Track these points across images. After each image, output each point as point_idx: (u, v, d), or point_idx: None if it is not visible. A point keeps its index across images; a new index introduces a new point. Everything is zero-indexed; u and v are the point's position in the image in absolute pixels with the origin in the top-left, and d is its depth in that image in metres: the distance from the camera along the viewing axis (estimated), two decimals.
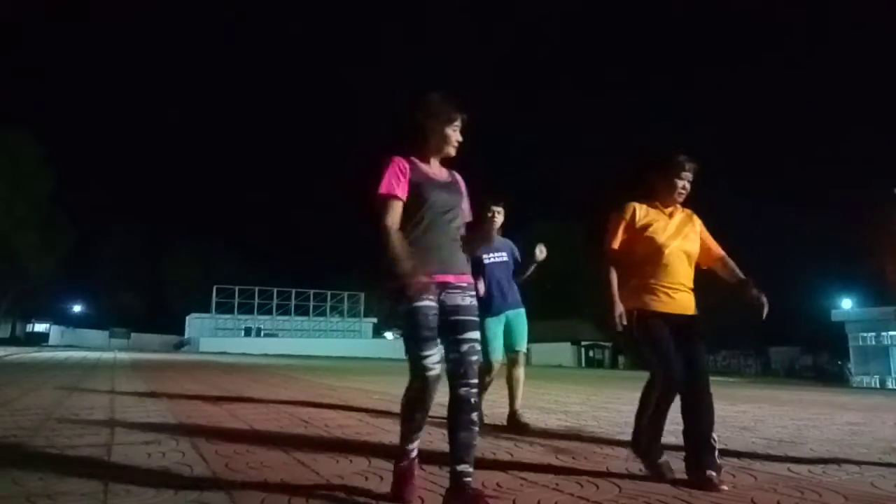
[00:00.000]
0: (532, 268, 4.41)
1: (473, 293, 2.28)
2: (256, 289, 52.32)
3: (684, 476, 2.55)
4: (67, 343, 42.89)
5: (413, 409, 2.19)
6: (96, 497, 2.16)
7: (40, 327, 49.56)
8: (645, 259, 2.79)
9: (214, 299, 51.05)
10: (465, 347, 2.15)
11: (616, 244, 2.84)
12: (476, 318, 2.24)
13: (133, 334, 50.29)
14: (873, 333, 29.44)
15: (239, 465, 2.69)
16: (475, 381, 2.13)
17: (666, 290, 2.76)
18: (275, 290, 52.91)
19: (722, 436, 4.09)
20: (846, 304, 32.14)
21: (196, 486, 2.32)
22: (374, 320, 55.28)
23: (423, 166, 2.32)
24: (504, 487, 2.40)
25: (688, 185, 2.85)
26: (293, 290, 53.55)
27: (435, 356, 2.14)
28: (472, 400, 2.11)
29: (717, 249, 2.96)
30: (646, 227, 2.81)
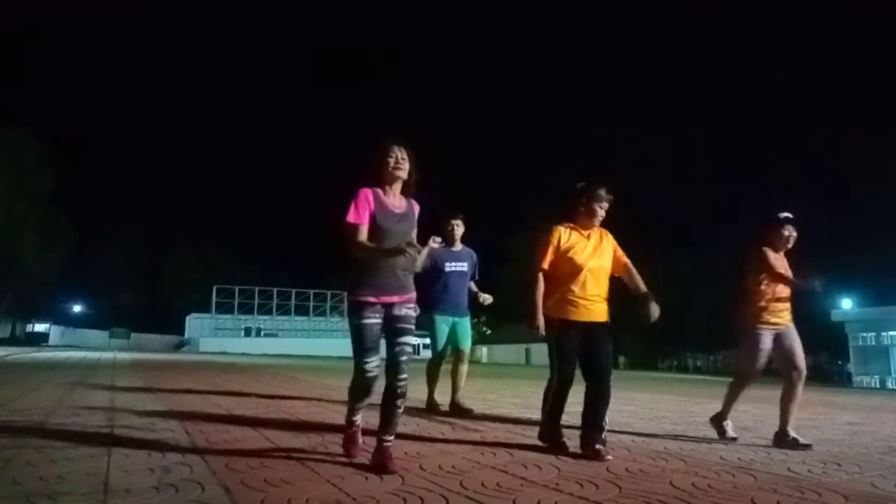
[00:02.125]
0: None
1: (412, 306, 2.86)
2: (256, 289, 52.36)
3: (578, 450, 3.12)
4: (67, 343, 42.91)
5: (356, 397, 2.93)
6: (96, 497, 2.16)
7: (40, 327, 49.53)
8: (566, 276, 3.30)
9: (214, 299, 51.07)
10: (397, 349, 2.78)
11: (546, 264, 3.33)
12: (411, 327, 2.84)
13: (133, 334, 50.28)
14: (873, 333, 29.45)
15: (239, 465, 2.69)
16: (403, 375, 2.75)
17: (583, 302, 3.28)
18: (275, 290, 52.95)
19: None
20: (846, 304, 32.13)
21: (196, 485, 2.32)
22: None
23: (384, 198, 2.83)
24: (504, 487, 2.40)
25: (603, 212, 3.38)
26: (293, 290, 53.58)
27: (374, 362, 2.80)
28: (398, 390, 2.74)
29: (625, 261, 3.46)
30: (568, 249, 3.32)
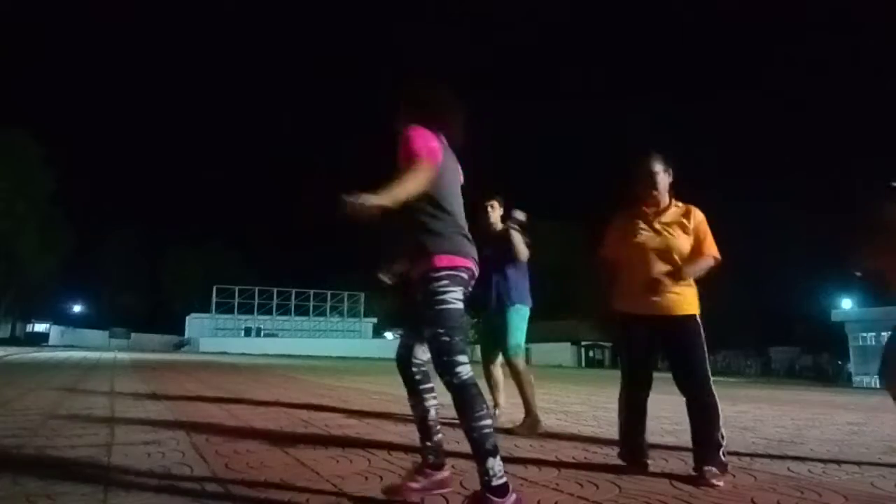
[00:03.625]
0: (516, 238, 4.17)
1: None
2: (256, 289, 52.30)
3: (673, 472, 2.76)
4: (67, 343, 42.84)
5: (406, 388, 2.28)
6: (96, 497, 2.16)
7: (40, 327, 49.52)
8: (626, 262, 2.88)
9: (214, 299, 51.03)
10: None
11: (606, 250, 2.99)
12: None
13: (133, 334, 50.24)
14: (873, 333, 29.45)
15: (239, 466, 2.68)
16: (459, 369, 2.08)
17: (646, 292, 2.77)
18: (275, 290, 52.90)
19: None
20: (846, 304, 32.13)
21: (196, 486, 2.32)
22: (374, 320, 55.24)
23: (447, 148, 2.24)
24: None
25: (659, 175, 2.88)
26: (293, 290, 53.53)
27: (402, 338, 2.29)
28: (458, 390, 2.06)
29: (704, 250, 2.85)
30: (628, 230, 2.89)
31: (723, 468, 2.60)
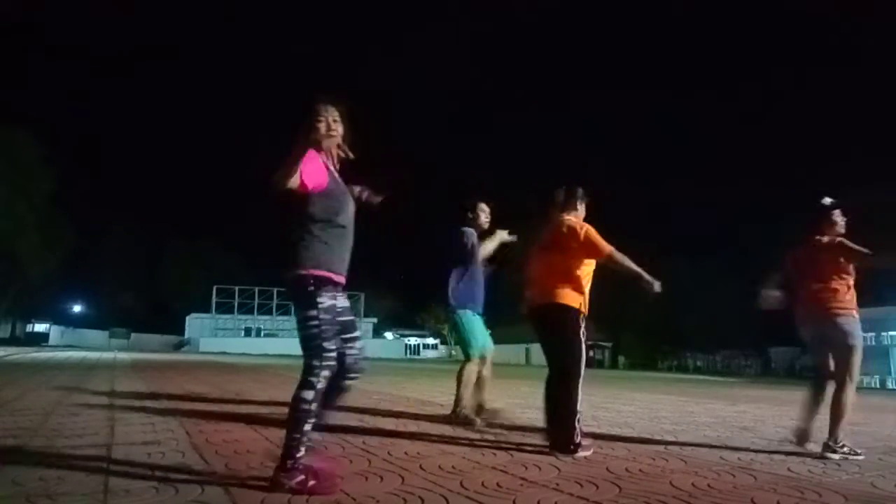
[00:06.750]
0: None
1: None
2: (256, 289, 52.31)
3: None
4: (67, 343, 42.87)
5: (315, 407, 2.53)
6: (96, 497, 2.16)
7: (40, 327, 49.51)
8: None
9: (214, 299, 51.05)
10: (359, 345, 2.50)
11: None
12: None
13: (133, 334, 50.25)
14: (873, 333, 29.46)
15: (239, 465, 2.69)
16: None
17: (529, 288, 3.39)
18: (275, 291, 52.89)
19: (722, 435, 4.11)
20: None
21: (196, 485, 2.32)
22: (374, 320, 55.24)
23: (331, 168, 2.48)
24: (504, 487, 2.40)
25: (558, 214, 3.52)
26: None
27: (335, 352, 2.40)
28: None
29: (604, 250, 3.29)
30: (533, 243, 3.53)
31: (571, 451, 3.05)
